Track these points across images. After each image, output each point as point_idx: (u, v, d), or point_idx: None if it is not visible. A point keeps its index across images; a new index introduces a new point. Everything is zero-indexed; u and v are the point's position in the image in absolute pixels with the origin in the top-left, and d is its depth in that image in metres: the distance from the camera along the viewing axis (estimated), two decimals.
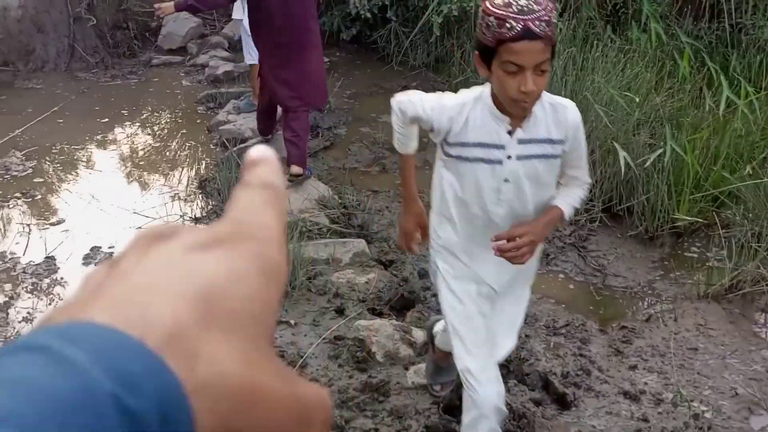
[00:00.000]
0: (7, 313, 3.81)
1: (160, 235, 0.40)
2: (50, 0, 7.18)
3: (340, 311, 3.82)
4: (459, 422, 2.77)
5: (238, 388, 0.36)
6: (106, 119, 6.22)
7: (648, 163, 4.43)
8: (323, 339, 3.56)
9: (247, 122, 5.72)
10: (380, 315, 3.83)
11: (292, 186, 4.75)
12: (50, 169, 5.33)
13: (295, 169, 4.81)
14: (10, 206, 4.81)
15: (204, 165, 5.47)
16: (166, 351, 0.34)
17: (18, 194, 4.93)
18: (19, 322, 3.76)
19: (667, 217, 4.49)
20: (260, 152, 0.45)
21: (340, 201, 4.76)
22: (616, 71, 5.27)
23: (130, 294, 0.36)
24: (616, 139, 4.62)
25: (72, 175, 5.30)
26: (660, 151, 4.46)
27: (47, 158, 5.48)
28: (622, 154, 4.45)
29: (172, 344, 0.35)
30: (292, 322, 3.75)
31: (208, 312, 0.37)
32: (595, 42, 5.80)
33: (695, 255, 4.46)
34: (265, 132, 5.42)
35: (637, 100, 4.81)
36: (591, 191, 4.66)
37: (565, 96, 4.92)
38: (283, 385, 0.39)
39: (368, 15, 6.92)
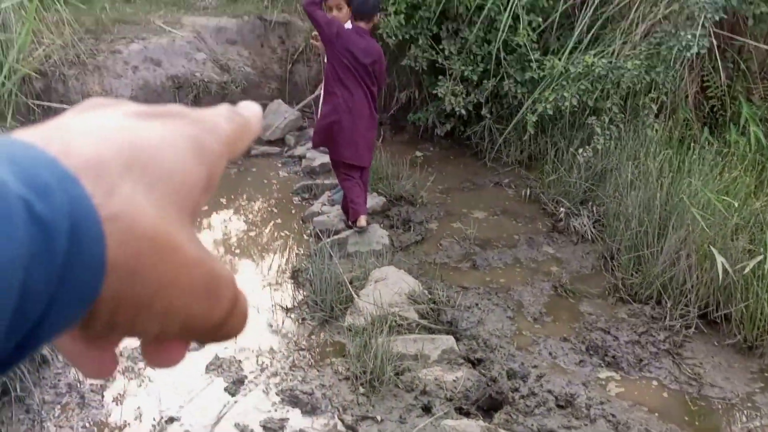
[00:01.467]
0: (102, 395, 3.92)
1: (104, 104, 0.42)
2: (160, 92, 7.54)
3: (427, 409, 3.79)
4: None
5: (151, 232, 0.37)
6: (206, 207, 6.40)
7: (747, 270, 4.31)
8: None
9: (341, 214, 5.82)
10: (467, 415, 3.79)
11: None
12: None
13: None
14: None
15: (296, 255, 5.58)
16: (82, 174, 0.35)
17: None
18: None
19: (767, 327, 4.34)
20: (248, 104, 0.50)
21: (429, 296, 4.76)
22: (714, 174, 5.19)
23: (59, 130, 0.38)
24: (714, 244, 4.52)
25: None
26: (760, 257, 4.34)
27: None
28: (719, 259, 4.35)
29: (90, 172, 0.36)
30: (379, 417, 3.73)
31: (133, 161, 0.38)
32: (692, 144, 5.75)
33: None
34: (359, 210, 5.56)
35: (736, 204, 4.72)
36: (686, 296, 4.57)
37: (661, 198, 4.91)
38: (197, 251, 0.40)
39: (463, 112, 7.02)
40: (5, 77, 6.46)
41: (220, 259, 0.44)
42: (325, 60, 5.49)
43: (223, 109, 0.47)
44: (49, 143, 0.36)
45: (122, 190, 0.36)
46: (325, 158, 6.96)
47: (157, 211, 0.38)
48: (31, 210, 0.32)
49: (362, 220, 5.52)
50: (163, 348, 0.43)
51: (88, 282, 0.35)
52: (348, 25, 5.39)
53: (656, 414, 3.90)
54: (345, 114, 5.33)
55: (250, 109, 0.50)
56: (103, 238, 0.35)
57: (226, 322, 0.43)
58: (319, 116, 5.55)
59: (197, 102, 7.67)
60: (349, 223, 5.60)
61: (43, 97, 6.97)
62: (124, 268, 0.36)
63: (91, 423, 3.78)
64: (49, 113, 6.94)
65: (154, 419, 3.80)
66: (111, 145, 0.38)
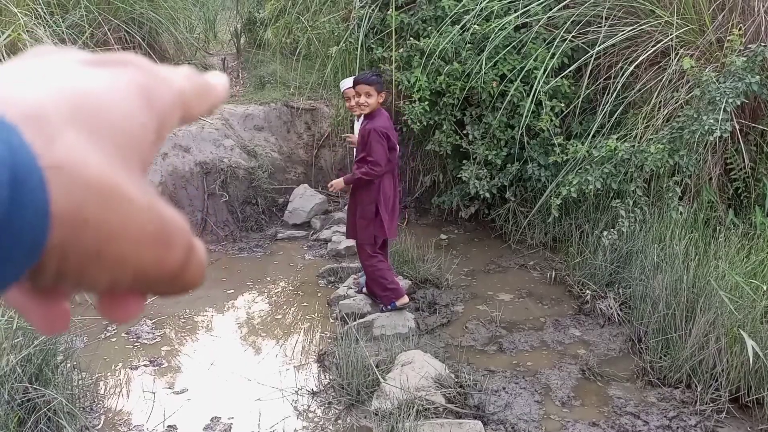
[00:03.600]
0: None
1: (50, 51, 0.41)
2: (188, 177, 7.67)
3: None
4: None
5: (96, 180, 0.36)
6: (231, 290, 6.47)
7: None
8: None
9: (367, 298, 5.83)
10: None
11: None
12: (176, 338, 5.53)
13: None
14: (138, 374, 4.99)
15: (322, 338, 5.57)
16: (22, 123, 0.35)
17: (146, 362, 5.12)
18: None
19: None
20: (216, 72, 0.49)
21: (456, 380, 4.74)
22: (740, 257, 5.18)
23: (2, 78, 0.37)
24: (743, 327, 4.48)
25: (196, 343, 5.49)
26: None
27: (174, 326, 5.70)
28: (749, 343, 4.30)
29: (30, 122, 0.35)
30: None
31: (77, 109, 0.37)
32: (717, 226, 5.75)
33: None
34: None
35: (764, 287, 4.69)
36: (717, 380, 4.50)
37: (688, 281, 4.88)
38: (146, 199, 0.39)
39: (487, 195, 7.09)
40: None
41: (172, 207, 0.42)
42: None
43: (185, 68, 0.47)
44: None
45: (65, 139, 0.36)
46: (350, 242, 7.01)
47: (102, 159, 0.37)
48: None
49: (407, 297, 5.65)
50: (119, 300, 0.42)
51: (33, 232, 0.34)
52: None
53: None
54: (380, 196, 5.43)
55: (216, 76, 0.49)
56: (46, 186, 0.35)
57: (182, 272, 0.42)
58: (362, 212, 5.56)
59: (225, 187, 7.80)
60: (387, 306, 5.60)
61: None
62: (70, 216, 0.35)
63: None
64: None
65: None
66: (54, 92, 0.37)
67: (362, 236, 5.57)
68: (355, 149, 5.68)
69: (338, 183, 5.53)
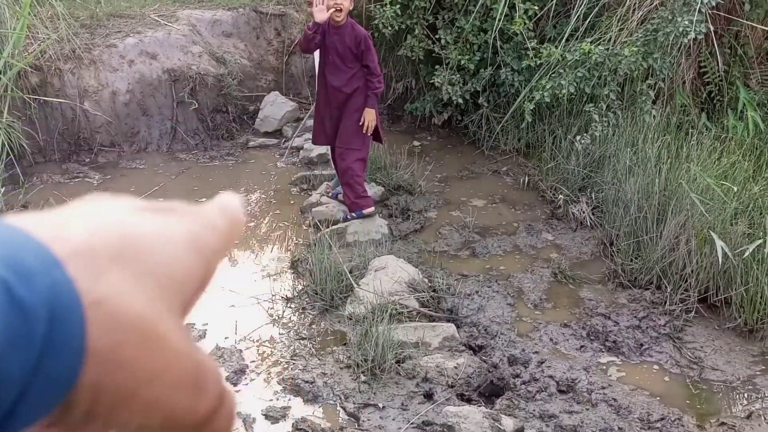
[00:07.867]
0: None
1: (107, 198, 0.42)
2: (156, 85, 7.52)
3: (428, 396, 3.80)
4: None
5: (136, 320, 0.36)
6: (204, 198, 6.31)
7: (747, 254, 4.32)
8: (411, 424, 3.54)
9: (340, 204, 5.81)
10: (469, 401, 3.80)
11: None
12: None
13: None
14: None
15: (296, 245, 5.57)
16: (69, 261, 0.35)
17: None
18: None
19: (767, 310, 4.35)
20: (228, 196, 0.48)
21: (429, 284, 4.77)
22: (712, 160, 5.20)
23: (56, 218, 0.38)
24: (713, 228, 4.53)
25: None
26: (759, 241, 4.35)
27: None
28: (719, 243, 4.35)
29: (78, 259, 0.35)
30: (380, 405, 3.74)
31: (124, 251, 0.37)
32: (690, 130, 5.75)
33: None
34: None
35: (735, 189, 4.72)
36: (686, 281, 4.56)
37: (660, 184, 4.90)
38: (184, 344, 0.39)
39: (460, 101, 7.01)
40: (1, 72, 6.44)
41: (207, 353, 0.43)
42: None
43: (215, 205, 0.47)
44: (41, 229, 0.36)
45: (109, 278, 0.36)
46: (322, 149, 6.94)
47: (145, 301, 0.37)
48: (10, 293, 0.32)
49: (374, 209, 5.65)
50: None
51: (66, 368, 0.34)
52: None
53: (658, 398, 3.91)
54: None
55: (233, 201, 0.48)
56: (84, 323, 0.34)
57: (210, 420, 0.41)
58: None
59: (194, 95, 7.66)
60: (354, 213, 5.58)
61: (39, 91, 6.95)
62: (105, 355, 0.35)
63: None
64: (45, 108, 6.93)
65: None
66: (104, 234, 0.38)
67: (354, 142, 5.54)
68: (337, 58, 5.51)
69: (371, 117, 5.47)
